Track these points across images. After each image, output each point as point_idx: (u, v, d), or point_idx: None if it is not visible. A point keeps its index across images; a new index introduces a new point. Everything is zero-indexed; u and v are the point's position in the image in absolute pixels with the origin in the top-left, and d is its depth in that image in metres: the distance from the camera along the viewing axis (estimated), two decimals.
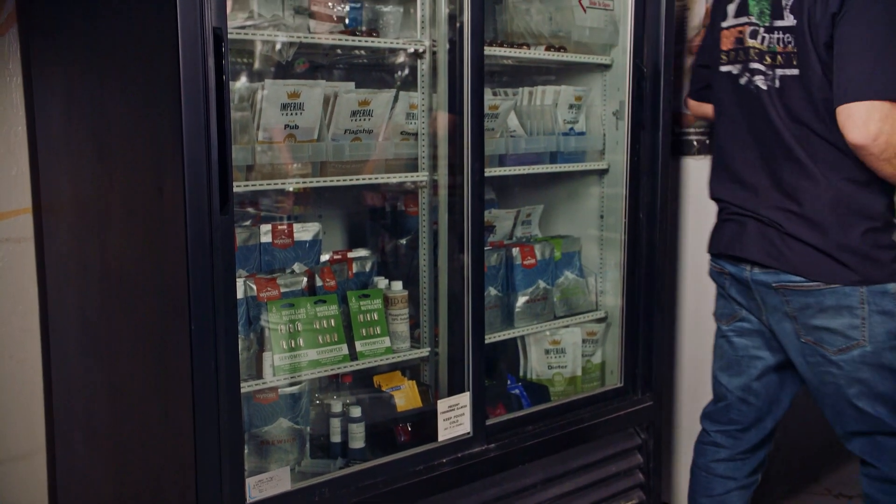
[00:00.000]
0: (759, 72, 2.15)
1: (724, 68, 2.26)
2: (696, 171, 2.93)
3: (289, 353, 2.11)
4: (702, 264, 2.93)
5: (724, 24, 2.27)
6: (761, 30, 2.13)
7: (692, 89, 2.55)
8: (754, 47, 2.16)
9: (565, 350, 2.73)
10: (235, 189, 1.88)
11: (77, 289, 2.20)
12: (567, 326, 2.74)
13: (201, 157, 1.73)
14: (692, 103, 2.58)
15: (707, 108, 2.49)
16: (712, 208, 2.88)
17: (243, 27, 2.12)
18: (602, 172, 2.81)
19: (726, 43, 2.26)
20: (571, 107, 2.75)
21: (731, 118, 2.26)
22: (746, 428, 2.37)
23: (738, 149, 2.24)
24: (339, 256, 2.46)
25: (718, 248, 2.33)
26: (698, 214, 2.93)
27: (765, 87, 2.13)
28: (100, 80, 2.00)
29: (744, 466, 2.40)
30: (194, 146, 1.73)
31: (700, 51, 2.50)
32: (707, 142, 2.91)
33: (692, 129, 2.94)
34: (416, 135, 2.38)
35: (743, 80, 2.20)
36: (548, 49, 2.70)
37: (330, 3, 2.47)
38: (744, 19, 2.19)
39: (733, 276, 2.28)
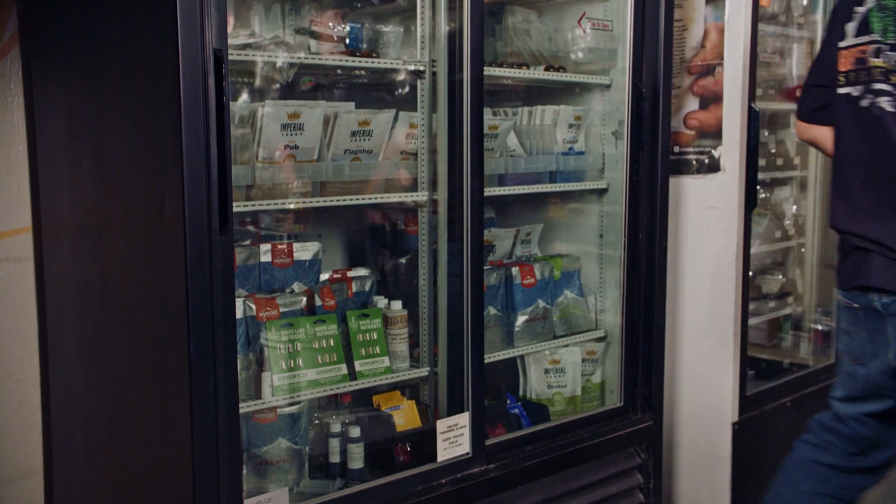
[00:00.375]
0: (885, 92, 2.06)
1: (842, 90, 2.17)
2: (696, 190, 2.93)
3: (288, 373, 2.10)
4: (701, 283, 2.93)
5: (843, 44, 2.17)
6: (886, 47, 2.05)
7: (804, 110, 2.38)
8: (878, 66, 2.07)
9: (565, 369, 2.72)
10: (235, 209, 1.89)
11: (77, 308, 2.20)
12: (567, 346, 2.74)
13: (201, 177, 1.74)
14: (801, 126, 2.40)
15: (817, 132, 2.34)
16: (712, 227, 2.90)
17: (244, 47, 2.13)
18: (601, 191, 2.82)
19: (845, 63, 2.16)
20: (571, 126, 2.76)
21: (850, 142, 2.16)
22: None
23: (858, 175, 2.14)
24: (338, 275, 2.46)
25: (849, 282, 2.19)
26: (698, 233, 2.94)
27: (891, 109, 2.04)
28: (100, 101, 2.01)
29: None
30: (194, 166, 1.73)
31: (814, 72, 2.36)
32: (706, 161, 2.92)
33: (691, 149, 2.96)
34: (415, 154, 2.39)
35: (864, 103, 2.11)
36: (547, 69, 2.72)
37: (330, 24, 2.49)
38: (866, 38, 2.10)
39: (865, 309, 2.15)
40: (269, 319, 2.11)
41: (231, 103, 2.00)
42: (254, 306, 2.11)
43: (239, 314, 2.05)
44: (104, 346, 2.10)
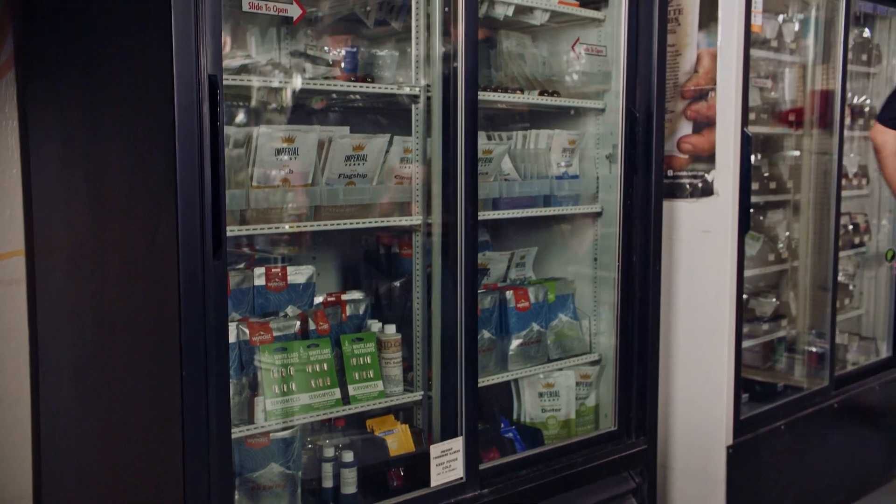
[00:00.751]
0: None
1: None
2: (690, 214, 2.94)
3: (281, 398, 2.09)
4: (695, 307, 2.93)
5: None
6: None
7: (886, 116, 2.61)
8: None
9: (559, 393, 2.72)
10: (229, 233, 1.89)
11: (69, 332, 2.19)
12: (561, 369, 2.73)
13: (195, 202, 1.74)
14: (878, 127, 2.64)
15: (888, 136, 2.59)
16: (706, 251, 2.90)
17: (239, 72, 2.14)
18: (596, 215, 2.83)
19: None
20: (565, 150, 2.77)
21: None
22: None
23: None
24: (332, 299, 2.46)
25: None
26: (692, 257, 2.94)
27: None
28: (96, 125, 2.02)
29: None
30: (188, 191, 1.73)
31: None
32: (700, 185, 2.93)
33: (685, 173, 2.97)
34: (410, 178, 2.40)
35: None
36: (541, 94, 2.73)
37: (326, 48, 2.50)
38: None
39: None
40: (263, 343, 2.11)
41: (226, 127, 2.02)
42: (247, 330, 2.11)
43: (232, 338, 2.05)
44: (97, 369, 2.09)
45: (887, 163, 2.77)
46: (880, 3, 3.53)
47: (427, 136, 2.37)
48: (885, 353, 3.78)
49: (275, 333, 2.15)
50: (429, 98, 2.36)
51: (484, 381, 2.44)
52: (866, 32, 3.72)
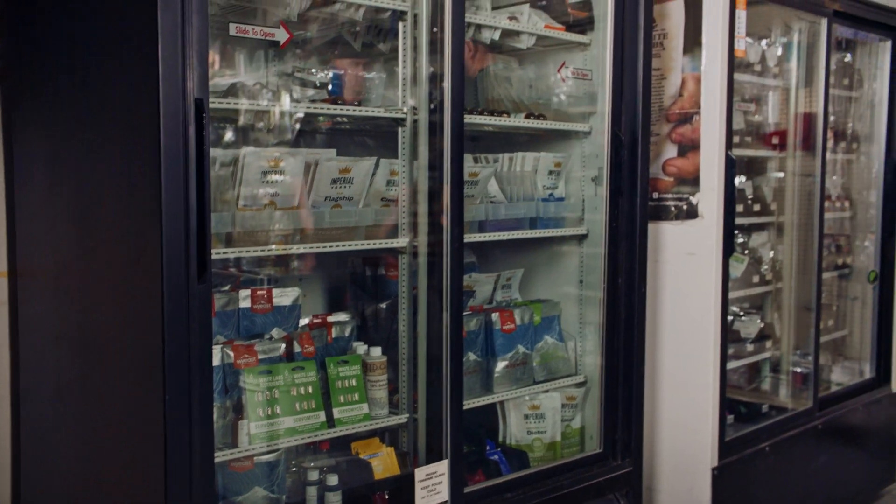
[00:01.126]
0: None
1: None
2: (675, 236, 2.96)
3: (265, 421, 2.08)
4: (680, 328, 2.95)
5: None
6: None
7: None
8: None
9: (545, 415, 2.72)
10: (214, 256, 1.89)
11: (53, 354, 2.18)
12: (547, 391, 2.73)
13: (180, 226, 1.74)
14: None
15: None
16: (691, 273, 2.92)
17: (226, 94, 2.15)
18: (581, 237, 2.84)
19: None
20: (551, 173, 2.79)
21: None
22: None
23: None
24: (318, 321, 2.45)
25: None
26: (677, 279, 2.96)
27: None
28: (82, 147, 2.02)
29: None
30: (173, 214, 1.73)
31: None
32: (685, 207, 2.96)
33: (670, 195, 2.99)
34: (396, 201, 2.40)
35: None
36: (528, 116, 2.75)
37: (313, 70, 2.51)
38: None
39: None
40: (248, 366, 2.10)
41: (212, 148, 2.02)
42: (232, 353, 2.10)
43: (216, 361, 2.04)
44: (80, 391, 2.07)
45: None
46: (860, 30, 3.58)
47: (413, 158, 2.39)
48: (868, 373, 3.80)
49: (260, 356, 2.15)
50: (415, 121, 2.38)
51: (469, 404, 2.44)
52: (848, 57, 3.77)
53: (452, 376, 2.28)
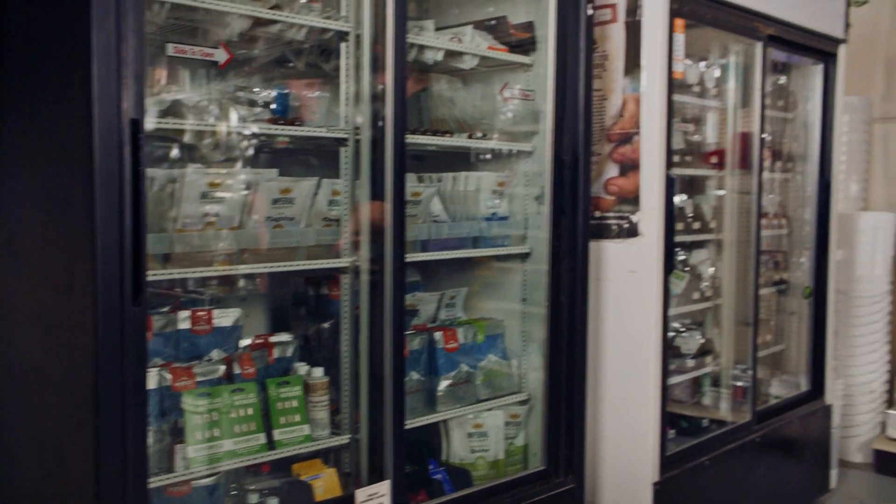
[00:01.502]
0: None
1: None
2: (616, 254, 3.01)
3: (204, 444, 2.06)
4: (622, 345, 2.99)
5: None
6: None
7: None
8: None
9: (488, 433, 2.73)
10: (151, 277, 1.86)
11: None
12: (490, 409, 2.75)
13: (114, 247, 1.72)
14: None
15: None
16: (632, 290, 2.97)
17: (166, 113, 2.13)
18: (525, 255, 2.87)
19: None
20: (494, 192, 2.82)
21: None
22: None
23: None
24: (260, 341, 2.43)
25: None
26: (618, 296, 3.01)
27: None
28: (16, 167, 1.98)
29: None
30: (107, 235, 1.71)
31: None
32: (626, 226, 3.01)
33: (611, 214, 3.04)
34: (338, 220, 2.40)
35: None
36: (471, 136, 2.78)
37: (256, 89, 2.51)
38: None
39: None
40: (186, 389, 2.08)
41: (150, 168, 2.00)
42: (169, 376, 2.07)
43: (153, 384, 2.01)
44: (8, 420, 2.02)
45: None
46: (794, 54, 3.70)
47: (356, 178, 2.39)
48: (804, 387, 3.90)
49: (198, 378, 2.12)
50: (358, 140, 2.38)
51: (412, 423, 2.44)
52: (783, 80, 3.88)
53: (394, 396, 2.28)
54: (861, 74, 4.53)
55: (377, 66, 2.33)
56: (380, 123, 2.31)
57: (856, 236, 4.21)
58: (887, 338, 4.26)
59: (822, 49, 3.76)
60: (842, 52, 3.85)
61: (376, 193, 2.33)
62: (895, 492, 3.97)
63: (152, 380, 2.00)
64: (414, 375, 2.57)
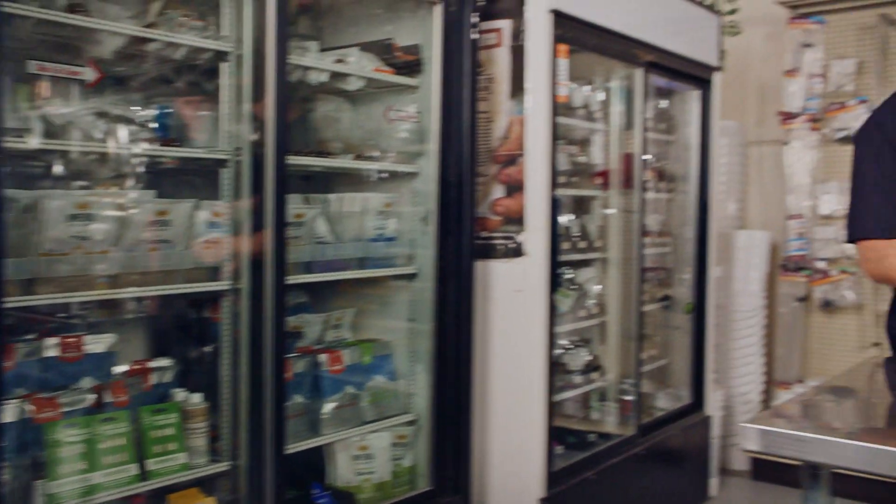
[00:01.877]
0: None
1: None
2: (503, 274, 3.06)
3: (68, 479, 1.98)
4: (509, 364, 3.04)
5: None
6: None
7: (880, 227, 2.12)
8: None
9: (374, 455, 2.72)
10: (11, 304, 1.79)
11: None
12: (376, 431, 2.74)
13: None
14: (879, 244, 2.12)
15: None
16: (518, 309, 3.02)
17: (32, 134, 2.04)
18: (411, 276, 2.88)
19: None
20: (381, 213, 2.82)
21: None
22: None
23: None
24: (137, 367, 2.36)
25: None
26: (505, 315, 3.05)
27: None
28: None
29: None
30: None
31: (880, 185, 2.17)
32: (512, 246, 3.06)
33: (498, 234, 3.09)
34: (218, 242, 2.36)
35: None
36: (357, 158, 2.78)
37: (135, 108, 2.44)
38: None
39: None
40: (49, 420, 1.99)
41: (13, 191, 1.92)
42: (32, 407, 1.98)
43: (12, 417, 1.92)
44: None
45: None
46: (672, 80, 3.86)
47: (237, 199, 2.35)
48: (687, 399, 4.04)
49: (65, 409, 2.04)
50: (239, 161, 2.35)
51: (294, 447, 2.41)
52: (664, 104, 4.04)
53: (275, 420, 2.25)
54: (737, 100, 4.77)
55: (258, 86, 2.31)
56: (258, 146, 2.29)
57: (733, 253, 4.41)
58: (762, 350, 4.47)
59: (698, 76, 3.94)
60: (717, 78, 4.04)
61: (258, 215, 2.30)
62: (769, 497, 4.16)
63: (10, 413, 1.91)
64: (298, 399, 2.54)
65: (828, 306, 4.37)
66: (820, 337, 4.45)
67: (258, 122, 2.30)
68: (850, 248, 4.23)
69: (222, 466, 2.30)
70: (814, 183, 4.38)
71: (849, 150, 4.36)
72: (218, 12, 2.33)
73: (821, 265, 4.37)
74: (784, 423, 1.71)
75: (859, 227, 2.17)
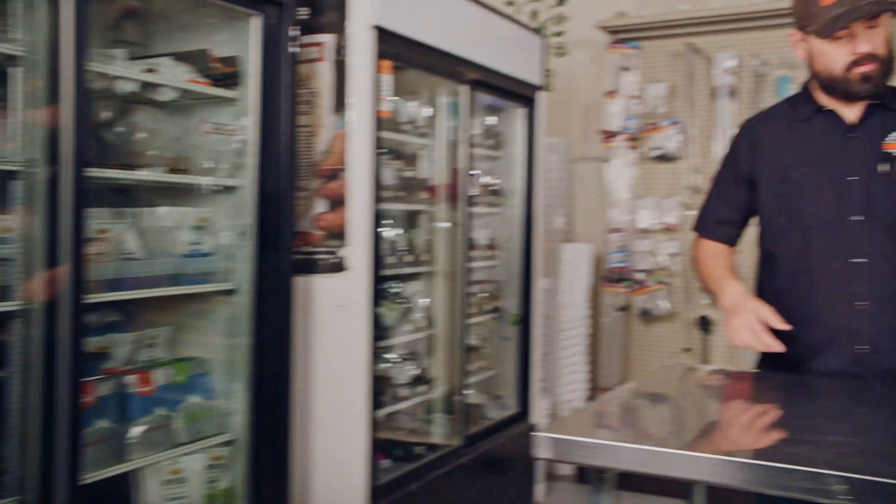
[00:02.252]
0: None
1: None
2: (325, 289, 3.04)
3: None
4: (332, 379, 3.02)
5: None
6: None
7: (702, 224, 2.49)
8: None
9: (187, 479, 2.63)
10: None
11: None
12: (190, 453, 2.65)
13: None
14: (696, 240, 2.51)
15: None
16: (340, 324, 3.01)
17: None
18: (229, 292, 2.81)
19: None
20: (196, 228, 2.74)
21: None
22: None
23: None
24: None
25: None
26: (327, 330, 3.04)
27: None
28: None
29: None
30: None
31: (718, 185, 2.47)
32: (334, 261, 3.05)
33: (321, 249, 3.07)
34: (9, 260, 2.21)
35: None
36: (172, 171, 2.68)
37: None
38: None
39: None
40: None
41: None
42: None
43: None
44: None
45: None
46: (498, 98, 3.98)
47: (31, 214, 2.21)
48: (514, 408, 4.16)
49: None
50: (33, 173, 2.21)
51: (93, 477, 2.29)
52: (492, 120, 4.16)
53: (70, 448, 2.12)
54: (564, 118, 4.99)
55: (53, 94, 2.19)
56: (55, 158, 2.17)
57: (559, 266, 4.60)
58: (587, 359, 4.68)
59: (524, 94, 4.09)
60: (541, 97, 4.21)
61: (54, 230, 2.18)
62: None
63: None
64: (101, 424, 2.41)
65: (645, 315, 4.64)
66: (639, 344, 4.72)
67: (53, 132, 2.17)
68: (665, 260, 4.53)
69: (8, 502, 2.14)
70: (633, 198, 4.64)
71: (664, 168, 4.68)
72: (6, 13, 2.19)
73: (639, 276, 4.63)
74: (573, 430, 1.79)
75: (695, 219, 2.51)
